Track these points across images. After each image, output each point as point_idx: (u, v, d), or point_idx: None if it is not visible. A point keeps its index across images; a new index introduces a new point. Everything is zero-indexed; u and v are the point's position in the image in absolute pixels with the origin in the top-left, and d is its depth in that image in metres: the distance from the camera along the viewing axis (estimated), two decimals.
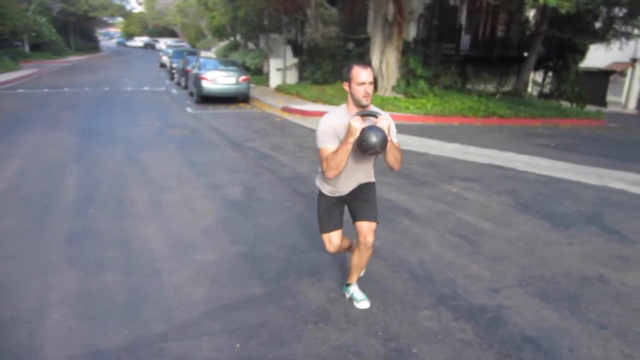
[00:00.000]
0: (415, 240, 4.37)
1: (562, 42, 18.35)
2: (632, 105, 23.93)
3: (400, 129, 11.12)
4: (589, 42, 17.94)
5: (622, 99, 24.29)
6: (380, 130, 2.62)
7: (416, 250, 4.13)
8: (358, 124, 2.62)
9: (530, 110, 14.67)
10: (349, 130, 2.62)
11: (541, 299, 3.35)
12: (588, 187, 6.51)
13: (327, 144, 2.77)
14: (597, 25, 16.46)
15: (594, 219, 5.15)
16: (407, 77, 15.10)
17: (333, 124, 2.78)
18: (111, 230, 4.41)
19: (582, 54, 19.21)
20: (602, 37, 16.38)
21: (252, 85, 17.47)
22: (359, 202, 3.00)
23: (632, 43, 19.31)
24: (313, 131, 10.44)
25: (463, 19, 17.87)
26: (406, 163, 7.44)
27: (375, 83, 14.85)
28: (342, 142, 2.67)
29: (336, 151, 2.70)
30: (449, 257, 4.03)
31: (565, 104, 18.45)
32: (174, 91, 18.37)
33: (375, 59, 14.23)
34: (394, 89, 14.29)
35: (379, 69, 14.24)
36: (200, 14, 38.39)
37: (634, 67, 23.64)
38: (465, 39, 17.82)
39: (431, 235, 4.49)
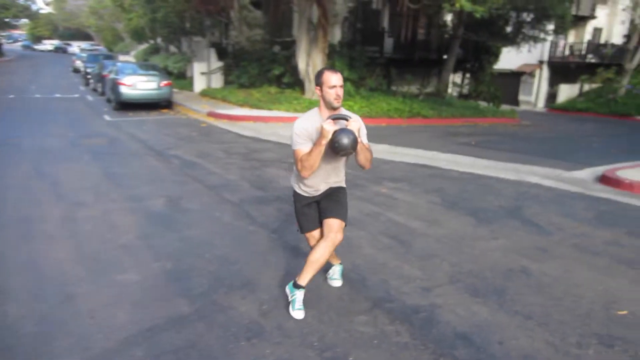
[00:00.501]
0: (348, 243, 4.33)
1: (477, 45, 19.40)
2: (541, 103, 25.77)
3: None
4: (501, 45, 19.09)
5: (533, 98, 26.09)
6: (351, 132, 2.75)
7: (349, 254, 4.09)
8: (330, 127, 2.75)
9: (452, 110, 15.34)
10: (321, 133, 2.77)
11: (471, 295, 3.42)
12: (507, 182, 6.84)
13: (301, 145, 2.92)
14: (508, 29, 17.52)
15: (515, 213, 5.39)
16: None
17: (306, 126, 2.93)
18: (17, 254, 3.98)
19: (496, 56, 20.44)
20: (512, 40, 17.47)
21: (175, 90, 16.87)
22: (331, 202, 3.16)
23: (539, 46, 20.77)
24: (241, 136, 10.25)
25: (385, 22, 18.38)
26: None
27: (302, 86, 14.96)
28: (315, 144, 2.82)
29: (310, 152, 2.86)
30: (382, 259, 4.03)
31: (482, 103, 19.51)
32: (90, 98, 17.32)
33: (301, 62, 14.22)
34: None
35: (305, 72, 14.25)
36: (116, 15, 36.57)
37: (541, 68, 25.46)
38: (389, 42, 18.34)
39: (363, 238, 4.48)
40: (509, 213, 5.38)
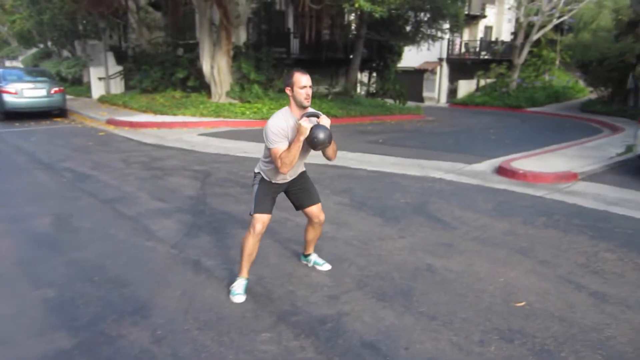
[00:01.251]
0: None
1: (381, 45, 19.97)
2: (443, 99, 27.16)
3: (237, 135, 10.79)
4: (402, 44, 19.78)
5: (435, 94, 27.42)
6: (326, 128, 3.02)
7: (254, 265, 3.87)
8: (307, 124, 2.97)
9: (360, 109, 15.63)
10: (299, 130, 2.97)
11: (378, 299, 3.35)
12: (413, 178, 7.00)
13: (279, 144, 3.07)
14: (408, 28, 18.20)
15: (420, 209, 5.49)
16: (242, 82, 14.91)
17: (281, 125, 3.09)
18: None
19: (399, 55, 21.17)
20: (412, 39, 18.18)
21: (70, 97, 15.64)
22: (302, 191, 3.50)
23: (438, 44, 21.84)
24: (143, 144, 9.62)
25: (291, 23, 18.33)
26: (243, 171, 7.20)
27: (209, 90, 14.45)
28: (295, 141, 3.01)
29: (289, 149, 3.04)
30: (289, 268, 3.87)
31: (389, 101, 20.13)
32: None
33: (206, 64, 13.73)
34: (228, 94, 13.97)
35: (211, 75, 13.78)
36: None
37: (441, 65, 26.82)
38: (295, 43, 18.31)
39: (270, 246, 4.30)
40: (415, 210, 5.47)
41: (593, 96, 22.48)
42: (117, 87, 18.09)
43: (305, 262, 3.93)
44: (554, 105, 22.65)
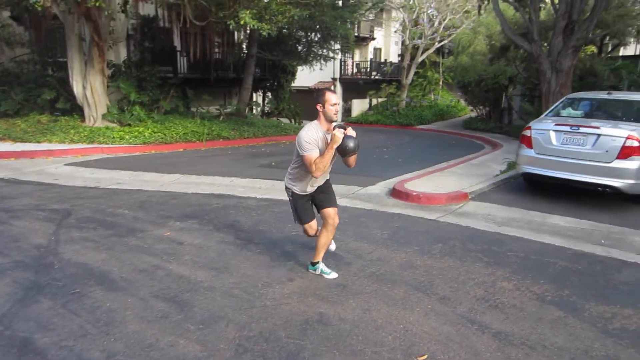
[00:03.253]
0: (107, 320, 3.30)
1: (274, 64, 19.64)
2: (339, 118, 27.42)
3: (113, 163, 9.58)
4: (295, 64, 19.63)
5: None
6: (354, 137, 3.60)
7: (105, 337, 3.07)
8: (340, 134, 3.54)
9: (254, 130, 15.02)
10: (333, 139, 3.55)
11: None
12: None
13: (312, 151, 3.60)
14: (300, 48, 18.07)
15: (312, 243, 4.97)
16: (122, 103, 13.60)
17: (314, 136, 3.64)
18: None
19: (293, 74, 20.98)
20: (305, 59, 18.07)
21: None
22: (323, 194, 3.97)
23: (331, 64, 22.07)
24: None
25: (177, 41, 17.30)
26: (112, 207, 6.22)
27: (82, 112, 12.95)
28: (328, 148, 3.59)
29: (323, 156, 3.59)
30: (151, 336, 3.11)
31: (285, 120, 19.79)
32: None
33: (77, 84, 12.27)
34: (105, 117, 12.59)
35: (83, 96, 12.34)
36: None
37: (335, 85, 27.20)
38: (183, 61, 17.29)
39: (130, 308, 3.49)
40: (306, 244, 4.94)
41: (473, 114, 24.06)
42: None
43: (312, 271, 4.15)
44: (440, 122, 23.89)
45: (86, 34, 12.03)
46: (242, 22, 10.36)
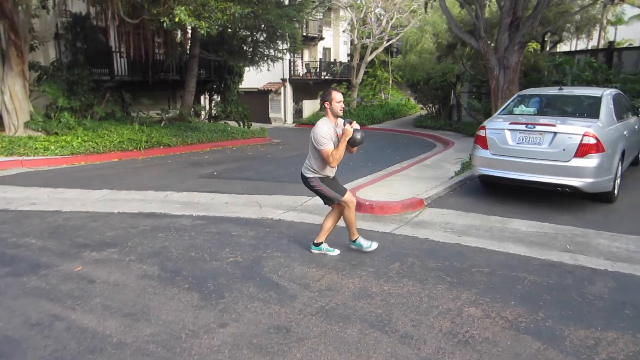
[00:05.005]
0: None
1: (220, 65, 18.72)
2: (289, 119, 26.83)
3: (32, 179, 8.48)
4: (242, 65, 18.77)
5: (282, 115, 26.98)
6: (361, 131, 4.32)
7: None
8: (351, 129, 4.20)
9: (198, 135, 14.13)
10: (345, 133, 4.20)
11: None
12: (247, 223, 5.81)
13: (327, 145, 4.22)
14: (245, 48, 17.24)
15: (252, 271, 4.31)
16: (50, 110, 12.38)
17: (328, 131, 4.26)
18: None
19: (240, 75, 20.10)
20: (251, 59, 17.23)
21: None
22: (334, 182, 4.53)
23: (280, 65, 21.35)
24: None
25: (114, 41, 16.08)
26: (17, 235, 5.29)
27: (1, 120, 11.66)
28: (341, 141, 4.22)
29: (338, 148, 4.23)
30: None
31: (233, 124, 18.90)
32: None
33: None
34: (28, 125, 11.36)
35: (1, 102, 11.08)
36: None
37: (284, 86, 26.50)
38: (122, 63, 16.10)
39: None
40: (246, 273, 4.27)
41: (423, 112, 24.01)
42: None
43: (316, 251, 4.74)
44: (391, 121, 23.67)
45: (1, 32, 10.78)
46: (176, 20, 9.51)
